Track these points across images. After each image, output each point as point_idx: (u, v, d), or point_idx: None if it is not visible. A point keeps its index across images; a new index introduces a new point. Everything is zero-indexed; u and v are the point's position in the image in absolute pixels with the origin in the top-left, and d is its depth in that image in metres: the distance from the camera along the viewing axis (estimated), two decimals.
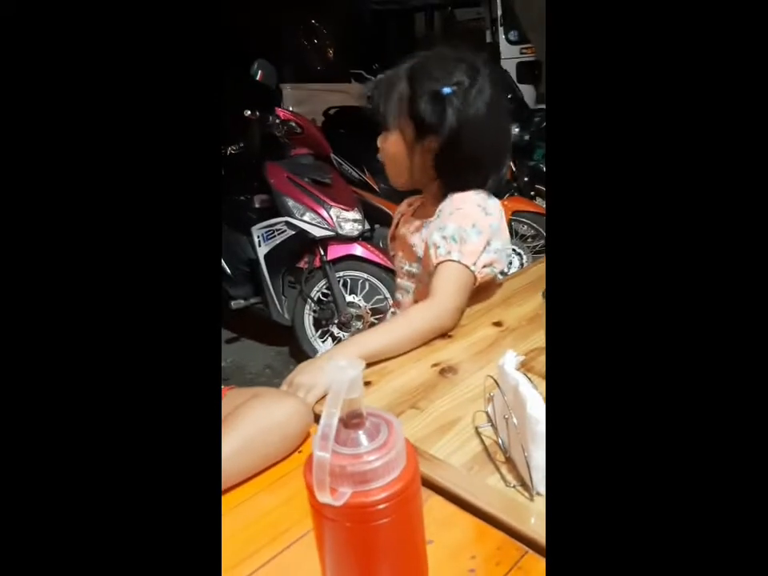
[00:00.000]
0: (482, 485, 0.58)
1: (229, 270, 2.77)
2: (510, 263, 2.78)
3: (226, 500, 0.56)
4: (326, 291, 2.53)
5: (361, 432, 0.33)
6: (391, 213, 2.89)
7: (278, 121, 2.39)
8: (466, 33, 5.21)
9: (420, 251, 1.00)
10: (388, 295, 2.47)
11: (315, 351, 2.58)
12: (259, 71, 2.22)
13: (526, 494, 0.56)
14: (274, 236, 2.52)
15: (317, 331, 2.59)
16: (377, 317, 2.52)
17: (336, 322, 2.51)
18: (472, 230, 0.91)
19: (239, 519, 0.55)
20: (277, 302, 2.64)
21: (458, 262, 0.89)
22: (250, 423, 0.57)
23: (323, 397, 0.74)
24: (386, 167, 1.03)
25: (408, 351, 0.85)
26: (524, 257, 2.78)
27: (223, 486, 0.56)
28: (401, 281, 1.08)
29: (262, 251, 2.56)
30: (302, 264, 2.58)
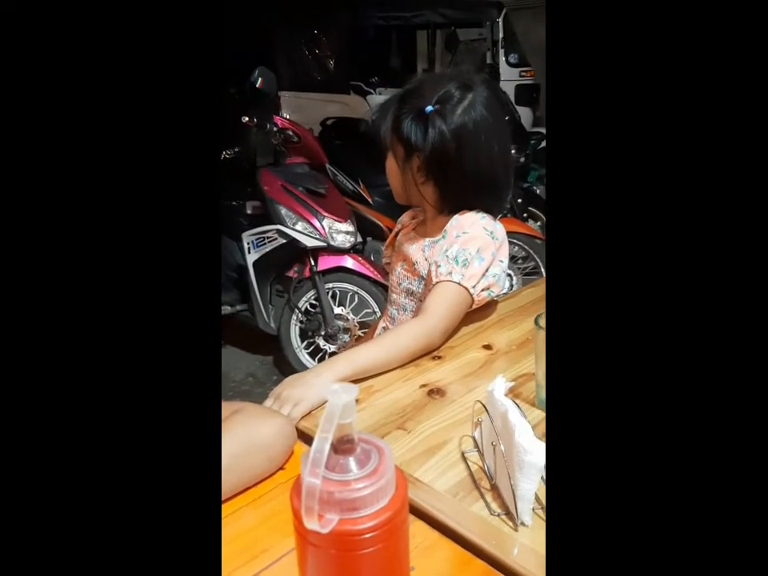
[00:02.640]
0: (467, 512, 0.57)
1: None
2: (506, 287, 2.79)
3: None
4: (314, 302, 2.51)
5: (351, 458, 0.32)
6: (384, 226, 2.90)
7: (275, 128, 2.38)
8: (467, 52, 5.26)
9: (423, 270, 1.00)
10: (377, 309, 2.46)
11: (300, 362, 2.56)
12: (260, 78, 2.21)
13: (511, 524, 0.55)
14: (265, 243, 2.50)
15: (303, 342, 2.57)
16: (364, 330, 2.51)
17: (323, 333, 2.50)
18: (476, 254, 0.91)
19: None
20: (264, 311, 2.62)
21: (458, 283, 0.89)
22: (235, 441, 0.56)
23: (309, 412, 0.73)
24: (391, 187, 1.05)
25: (396, 368, 0.84)
26: (514, 278, 2.79)
27: None
28: (397, 297, 1.08)
29: (251, 258, 2.54)
30: (291, 273, 2.56)
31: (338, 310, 2.50)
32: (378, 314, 2.45)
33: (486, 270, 0.92)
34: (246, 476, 0.58)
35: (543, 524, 0.55)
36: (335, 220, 2.44)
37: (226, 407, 0.61)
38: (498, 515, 0.57)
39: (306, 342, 2.57)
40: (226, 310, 2.67)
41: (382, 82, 5.29)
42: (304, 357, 2.57)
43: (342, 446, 0.32)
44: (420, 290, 1.01)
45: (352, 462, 0.32)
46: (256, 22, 4.00)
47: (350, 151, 3.14)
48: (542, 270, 2.80)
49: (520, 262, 2.87)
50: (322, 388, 0.74)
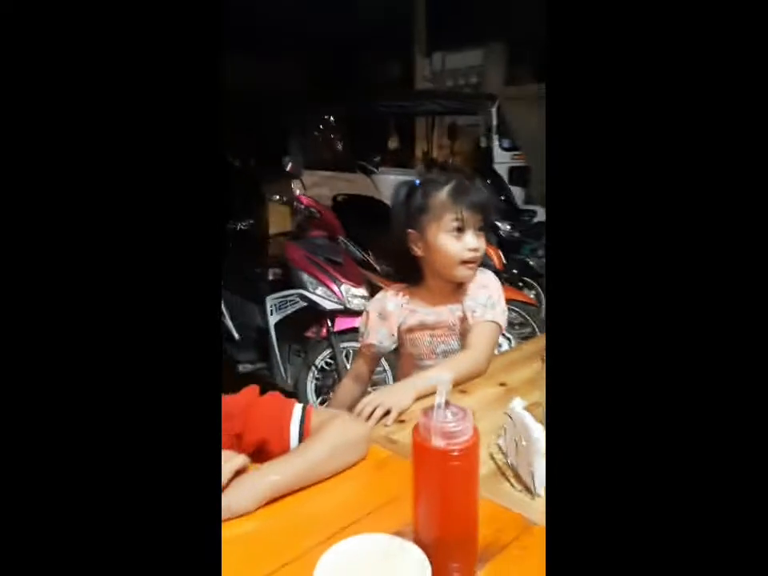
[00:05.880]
0: (498, 488, 0.80)
1: (237, 336, 3.01)
2: (500, 345, 3.04)
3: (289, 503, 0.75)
4: (329, 360, 2.74)
5: (450, 409, 0.57)
6: None
7: (301, 206, 2.70)
8: (463, 136, 5.74)
9: (458, 328, 1.29)
10: (387, 368, 2.68)
11: None
12: (290, 163, 2.55)
13: (529, 496, 0.79)
14: (287, 306, 2.77)
15: (318, 398, 2.78)
16: (374, 387, 2.72)
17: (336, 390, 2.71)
18: (499, 297, 1.27)
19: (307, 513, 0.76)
20: (282, 368, 2.84)
21: (492, 321, 1.22)
22: (338, 435, 0.79)
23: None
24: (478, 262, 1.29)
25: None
26: (512, 342, 3.04)
27: (307, 484, 0.76)
28: (432, 362, 1.31)
29: (273, 319, 2.79)
30: (309, 333, 2.81)
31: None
32: (389, 372, 2.67)
33: (504, 305, 1.28)
34: (341, 463, 0.80)
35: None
36: (352, 285, 2.72)
37: (324, 412, 0.85)
38: (520, 490, 0.80)
39: (320, 398, 2.78)
40: (246, 368, 2.90)
41: (383, 163, 5.71)
42: None
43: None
44: (460, 345, 1.29)
45: (451, 412, 0.57)
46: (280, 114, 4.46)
47: (360, 225, 3.47)
48: (538, 335, 3.05)
49: (517, 327, 3.12)
50: (407, 399, 1.03)
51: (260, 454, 0.81)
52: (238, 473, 0.72)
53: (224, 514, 0.69)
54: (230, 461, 0.72)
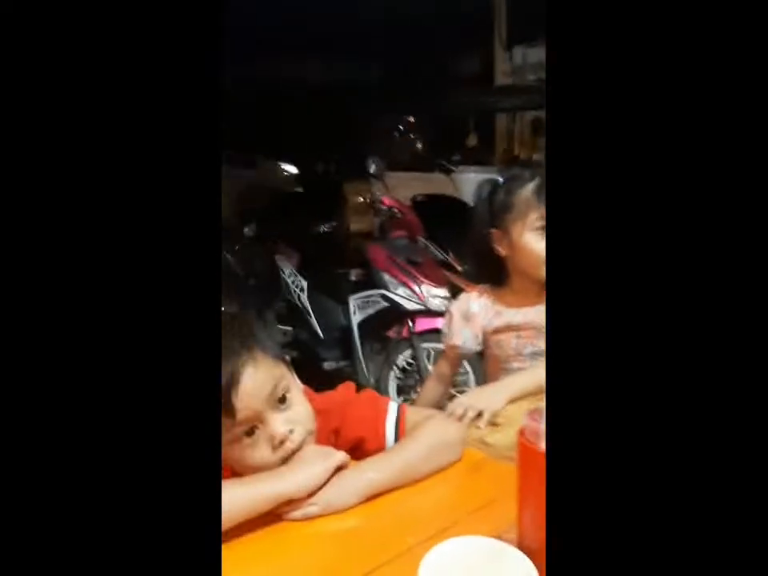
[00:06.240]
0: None
1: (322, 334, 3.08)
2: None
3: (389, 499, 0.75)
4: (410, 361, 2.75)
5: None
6: None
7: (384, 207, 2.73)
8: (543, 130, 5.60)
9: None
10: (469, 369, 2.66)
11: None
12: (373, 165, 2.58)
13: None
14: (369, 306, 2.81)
15: (399, 397, 2.80)
16: (458, 389, 2.70)
17: (419, 391, 2.72)
18: None
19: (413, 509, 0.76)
20: (364, 367, 2.89)
21: None
22: (434, 435, 0.79)
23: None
24: None
25: None
26: None
27: (403, 483, 0.76)
28: (520, 364, 1.26)
29: (356, 319, 2.84)
30: (391, 333, 2.83)
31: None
32: (472, 374, 2.64)
33: None
34: (435, 464, 0.80)
35: None
36: (432, 286, 2.72)
37: (419, 412, 0.86)
38: None
39: (402, 398, 2.79)
40: (331, 365, 2.97)
41: (462, 161, 5.66)
42: None
43: None
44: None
45: None
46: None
47: (441, 225, 3.46)
48: None
49: None
50: (499, 402, 1.01)
51: (355, 452, 0.82)
52: (338, 469, 0.73)
53: (324, 510, 0.71)
54: (330, 457, 0.73)
